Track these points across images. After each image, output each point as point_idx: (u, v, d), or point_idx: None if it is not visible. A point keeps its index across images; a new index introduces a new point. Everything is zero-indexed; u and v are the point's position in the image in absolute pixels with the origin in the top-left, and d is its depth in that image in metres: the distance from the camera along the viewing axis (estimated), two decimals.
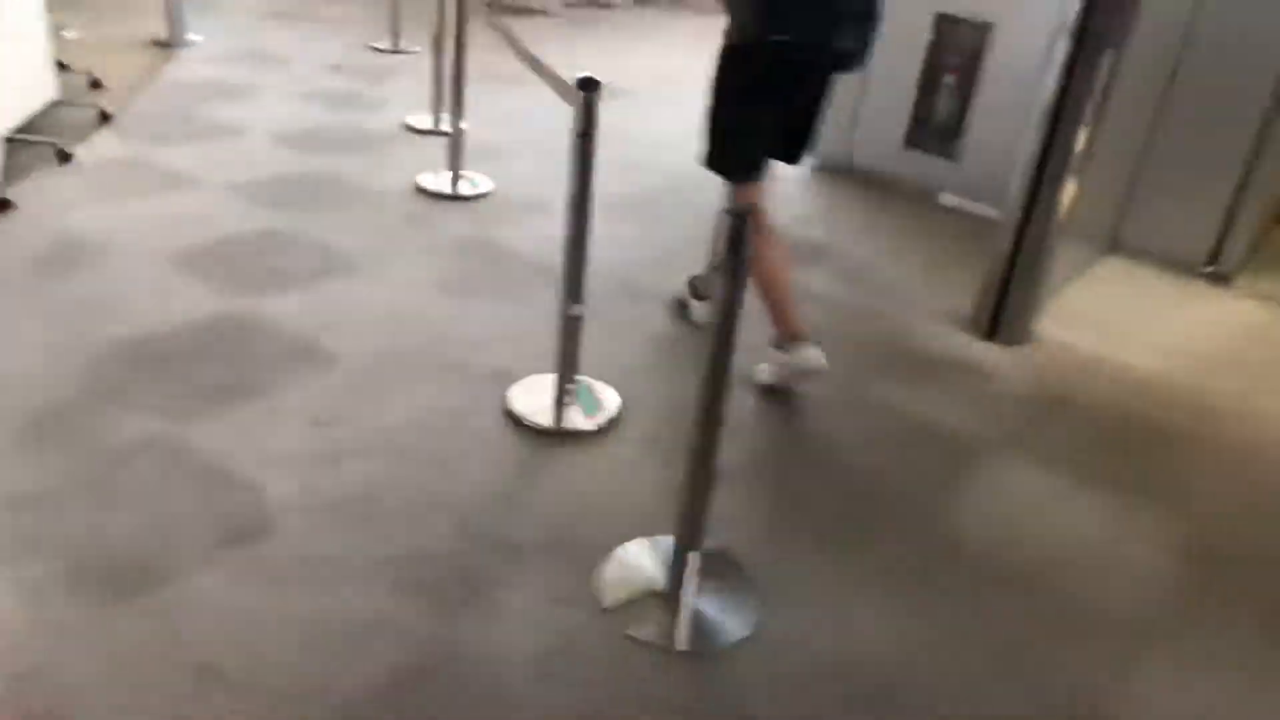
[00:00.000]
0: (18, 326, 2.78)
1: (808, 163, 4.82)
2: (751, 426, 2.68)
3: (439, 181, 4.12)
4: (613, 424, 2.60)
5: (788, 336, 2.78)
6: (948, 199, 4.44)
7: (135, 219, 3.52)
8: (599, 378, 2.75)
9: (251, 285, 3.14)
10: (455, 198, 4.05)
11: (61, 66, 4.89)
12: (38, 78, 4.16)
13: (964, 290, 3.36)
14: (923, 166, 4.48)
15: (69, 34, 5.71)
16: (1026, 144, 3.09)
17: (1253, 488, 2.65)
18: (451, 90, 4.08)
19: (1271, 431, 2.91)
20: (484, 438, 2.50)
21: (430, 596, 1.97)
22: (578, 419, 2.59)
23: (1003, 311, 3.26)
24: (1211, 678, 1.99)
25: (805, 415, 2.78)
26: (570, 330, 2.53)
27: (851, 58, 2.55)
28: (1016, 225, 3.17)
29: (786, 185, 4.66)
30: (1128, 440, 2.81)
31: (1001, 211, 3.27)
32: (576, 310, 2.49)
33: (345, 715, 1.70)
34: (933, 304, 3.48)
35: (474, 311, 3.13)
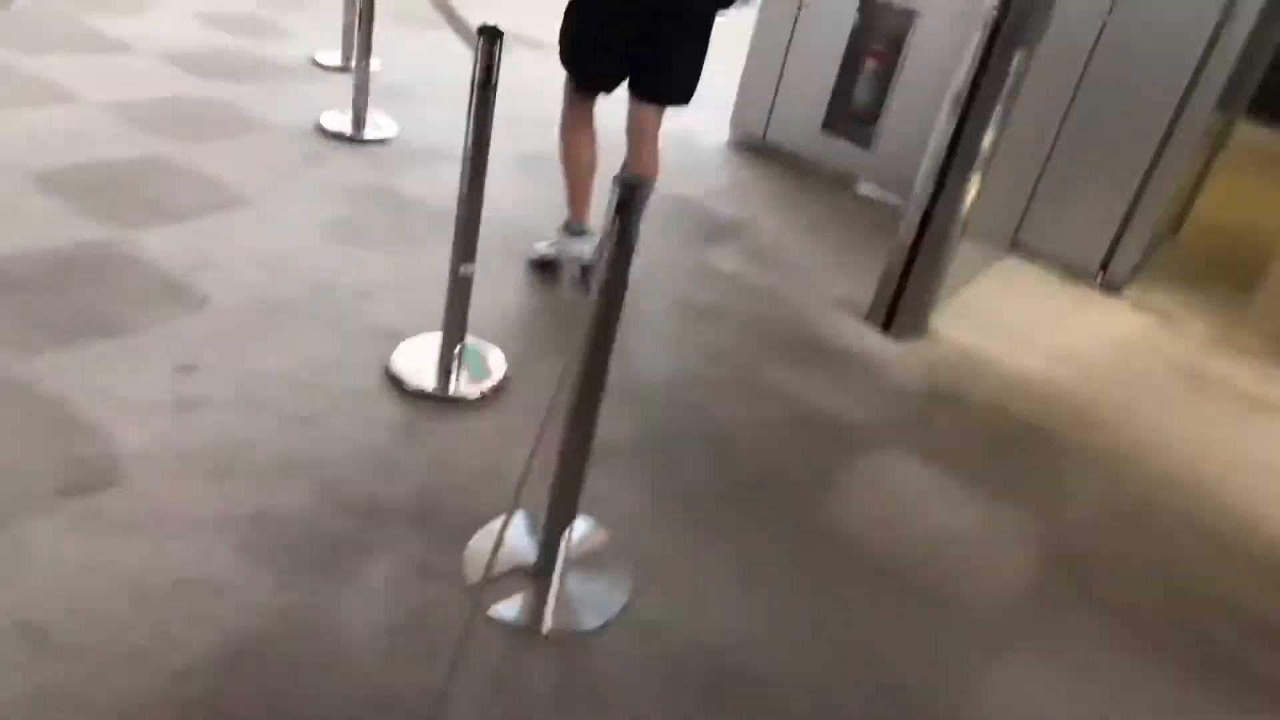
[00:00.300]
0: None
1: (724, 136, 4.80)
2: (645, 400, 2.63)
3: (341, 121, 3.92)
4: (497, 391, 2.52)
5: (572, 221, 3.13)
6: (865, 188, 4.45)
7: (1, 134, 3.25)
8: (489, 338, 2.66)
9: (122, 214, 2.93)
10: (357, 140, 3.86)
11: None
12: None
13: (867, 280, 3.36)
14: (839, 151, 4.47)
15: None
16: (936, 136, 3.09)
17: (1121, 494, 2.73)
18: (362, 27, 3.88)
19: (1145, 440, 3.00)
20: (360, 398, 2.39)
21: (280, 561, 1.87)
22: (462, 384, 2.50)
23: (900, 304, 3.28)
24: (1060, 676, 2.04)
25: (695, 393, 2.75)
26: (459, 291, 2.43)
27: (665, 5, 2.78)
28: (920, 218, 3.18)
29: (702, 156, 4.62)
30: (1008, 440, 2.87)
31: (907, 203, 3.28)
32: (467, 270, 2.39)
33: (177, 682, 1.59)
34: (835, 291, 3.49)
35: (364, 260, 2.99)
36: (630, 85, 2.94)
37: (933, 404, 2.96)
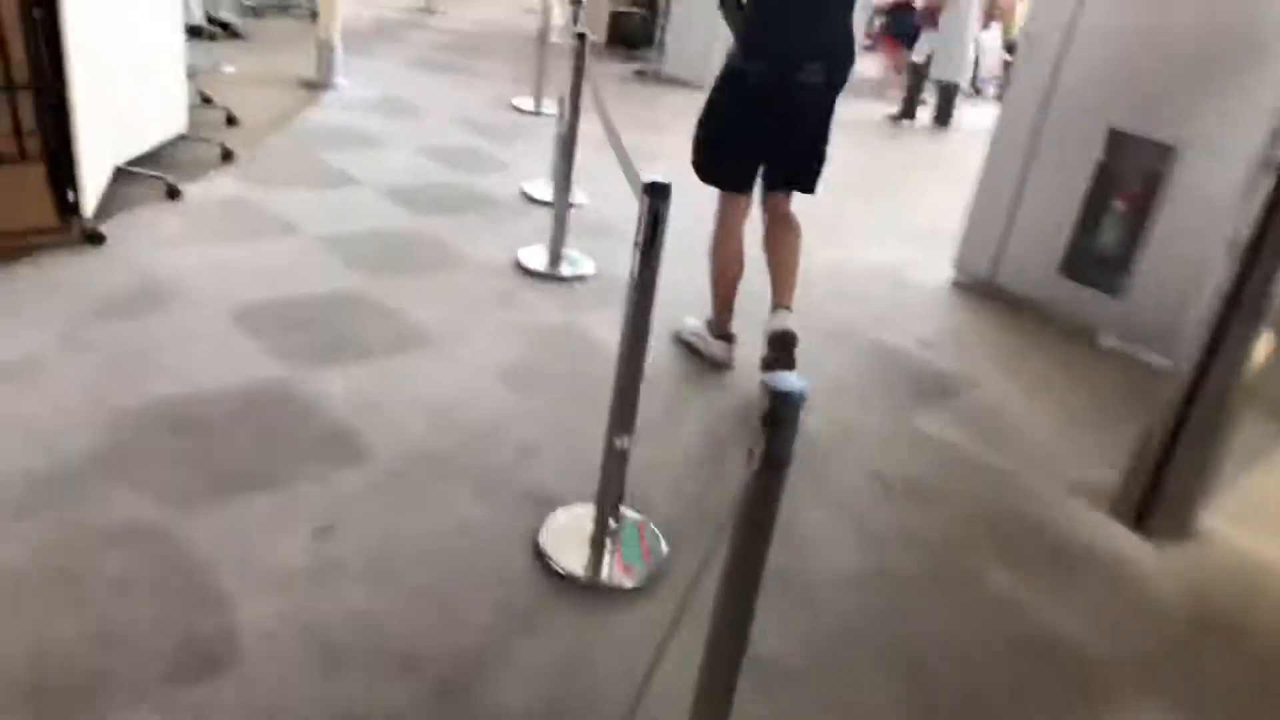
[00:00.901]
0: (61, 371, 2.64)
1: (943, 275, 4.36)
2: (823, 601, 2.23)
3: (538, 258, 3.87)
4: (654, 579, 2.21)
5: (714, 328, 3.26)
6: (1108, 340, 3.86)
7: (219, 265, 3.40)
8: (652, 512, 2.37)
9: (308, 352, 2.93)
10: (552, 278, 3.78)
11: (206, 100, 4.98)
12: (165, 112, 4.18)
13: (1114, 459, 2.80)
14: (1080, 299, 3.92)
15: (228, 69, 5.88)
16: (1211, 284, 2.54)
17: None
18: (562, 159, 3.84)
19: None
20: (500, 576, 2.15)
21: None
22: (613, 570, 2.21)
23: (1159, 493, 2.69)
24: None
25: (884, 596, 2.31)
26: (615, 464, 2.17)
27: (818, 90, 2.96)
28: (1189, 382, 2.60)
29: (916, 297, 4.21)
30: None
31: (1172, 362, 2.71)
32: (623, 443, 2.13)
33: None
34: (1073, 471, 2.94)
35: (533, 412, 2.82)
36: (772, 180, 3.12)
37: (1202, 635, 2.34)
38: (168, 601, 1.93)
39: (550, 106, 6.04)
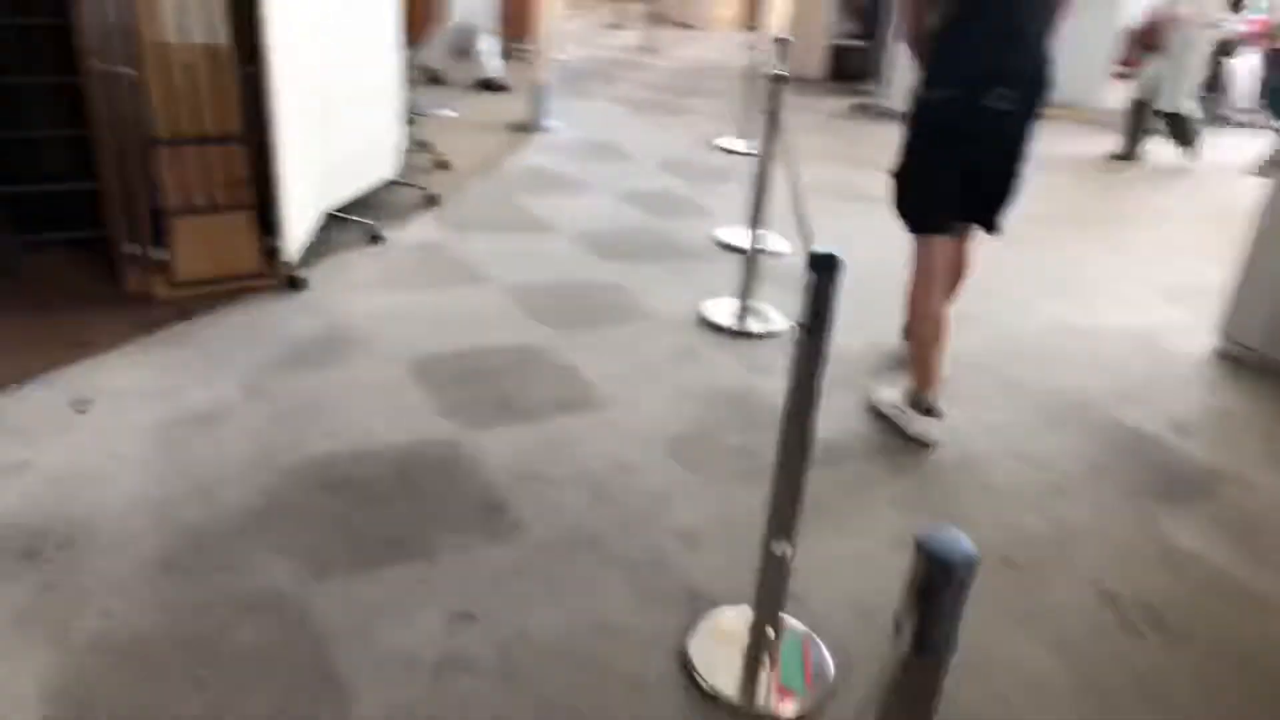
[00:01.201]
0: (239, 421, 2.67)
1: (1205, 343, 3.71)
2: None
3: (725, 311, 3.62)
4: (817, 707, 1.88)
5: (916, 396, 2.89)
6: None
7: (406, 313, 3.41)
8: (819, 624, 2.05)
9: (475, 410, 2.83)
10: (738, 334, 3.53)
11: (422, 145, 5.15)
12: (378, 159, 4.31)
13: None
14: None
15: (450, 113, 6.10)
16: None
17: None
18: (754, 204, 3.59)
19: None
20: (640, 689, 1.91)
21: None
22: (769, 695, 1.91)
23: None
24: None
25: None
26: (774, 572, 1.87)
27: (1012, 117, 2.69)
28: None
29: (1170, 369, 3.60)
30: None
31: None
32: (781, 549, 1.83)
33: None
34: None
35: (700, 492, 2.56)
36: (971, 219, 2.91)
37: None
38: (288, 686, 1.83)
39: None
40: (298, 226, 3.47)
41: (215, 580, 2.08)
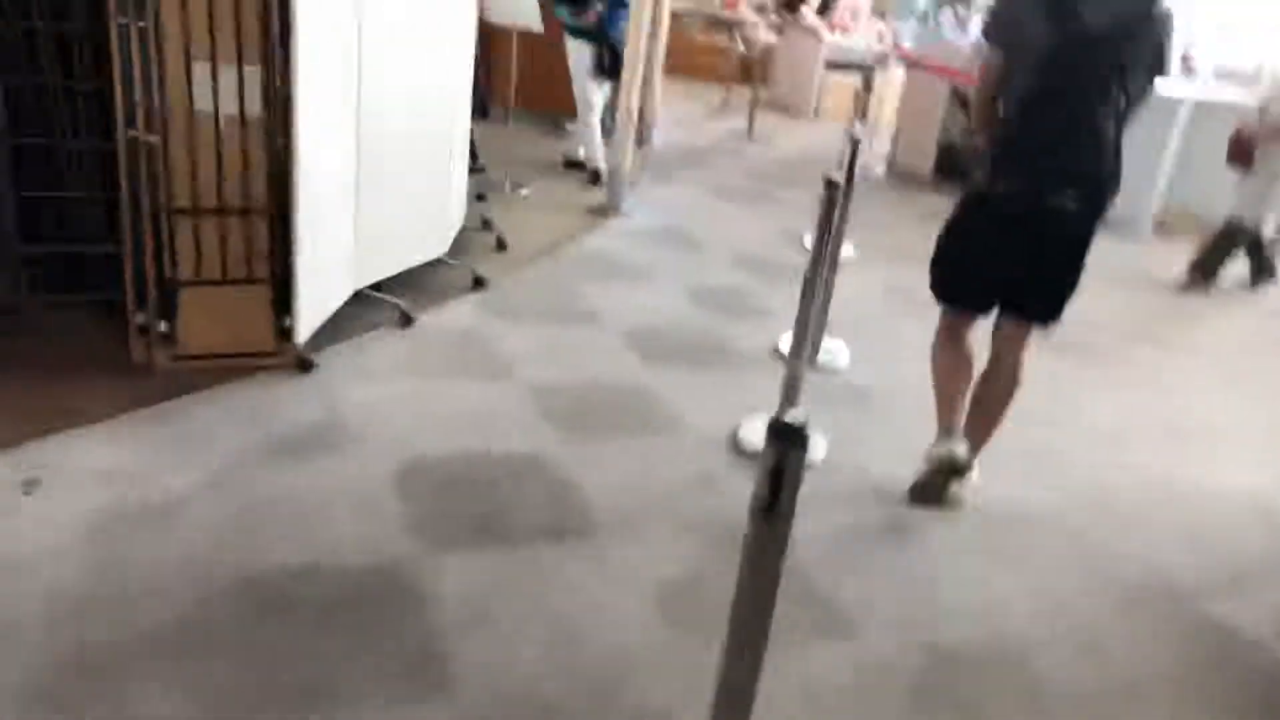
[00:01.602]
0: (177, 521, 2.43)
1: None
2: None
3: (761, 433, 3.24)
4: None
5: (940, 429, 2.90)
6: None
7: (411, 407, 3.18)
8: None
9: (448, 528, 2.55)
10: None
11: (486, 224, 5.01)
12: (424, 237, 4.16)
13: None
14: None
15: (524, 192, 5.98)
16: None
17: None
18: (802, 313, 3.21)
19: None
20: None
21: None
22: None
23: None
24: None
25: None
26: None
27: (1073, 217, 2.62)
28: None
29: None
30: None
31: None
32: None
33: None
34: None
35: (684, 655, 2.19)
36: (1007, 306, 2.84)
37: None
38: None
39: (845, 248, 5.46)
40: (314, 304, 3.31)
41: (85, 715, 1.82)
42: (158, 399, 2.99)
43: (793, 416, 1.35)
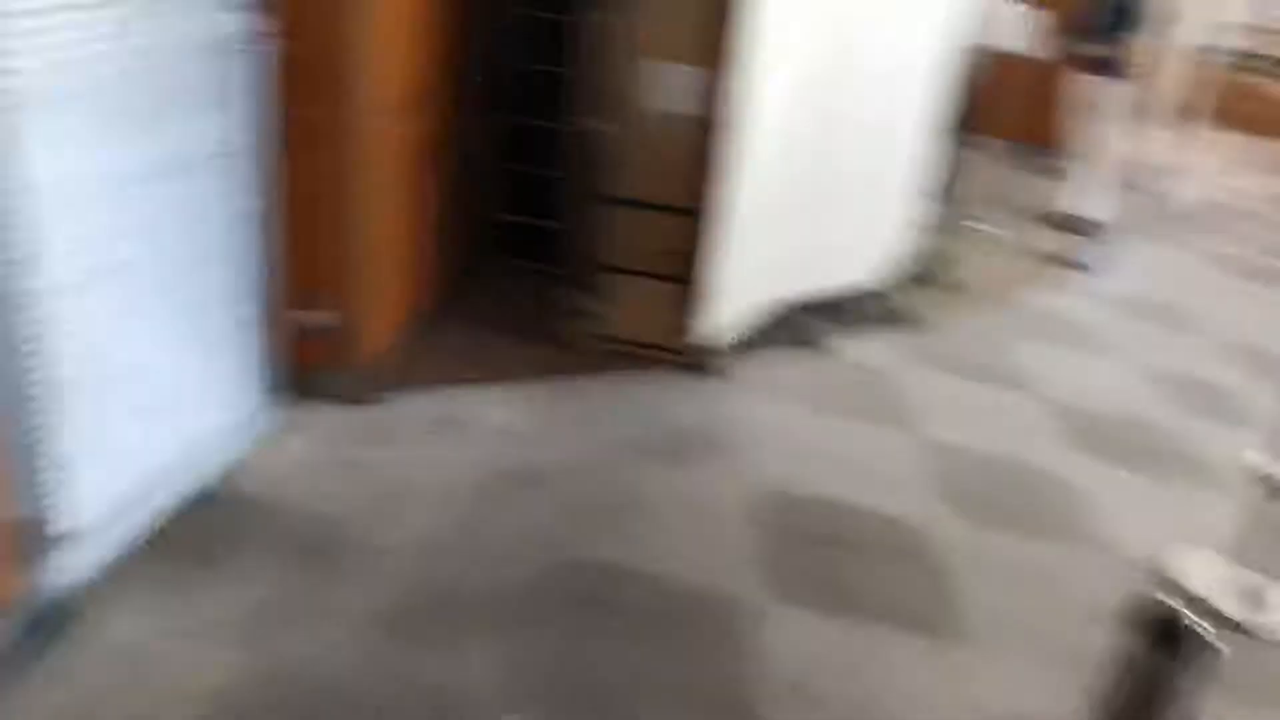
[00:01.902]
0: (538, 492, 2.54)
1: None
2: None
3: (1209, 574, 2.57)
4: None
5: None
6: None
7: (793, 435, 3.03)
8: None
9: (795, 577, 2.36)
10: (1232, 626, 2.47)
11: (933, 259, 4.66)
12: (851, 261, 3.92)
13: None
14: None
15: (989, 231, 5.47)
16: None
17: None
18: None
19: None
20: None
21: None
22: None
23: None
24: None
25: None
26: None
27: None
28: None
29: None
30: None
31: None
32: None
33: None
34: None
35: None
36: None
37: None
38: None
39: None
40: (725, 311, 3.28)
41: (424, 661, 1.93)
42: (567, 373, 3.17)
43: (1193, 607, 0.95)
